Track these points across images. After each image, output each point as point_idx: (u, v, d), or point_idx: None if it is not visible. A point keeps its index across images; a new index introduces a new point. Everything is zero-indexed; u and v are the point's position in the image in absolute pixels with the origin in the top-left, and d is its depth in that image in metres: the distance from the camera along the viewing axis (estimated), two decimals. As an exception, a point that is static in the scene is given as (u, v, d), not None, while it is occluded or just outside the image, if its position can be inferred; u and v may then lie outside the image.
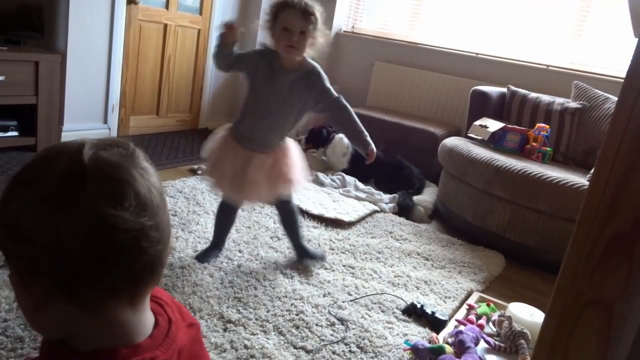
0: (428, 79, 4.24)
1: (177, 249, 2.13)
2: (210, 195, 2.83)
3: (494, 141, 3.08)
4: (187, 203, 2.67)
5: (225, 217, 2.18)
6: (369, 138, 2.02)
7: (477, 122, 3.21)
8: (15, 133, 3.04)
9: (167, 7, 3.95)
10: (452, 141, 3.11)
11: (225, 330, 1.65)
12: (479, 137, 3.11)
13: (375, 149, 2.01)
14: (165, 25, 3.97)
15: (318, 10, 1.89)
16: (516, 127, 3.12)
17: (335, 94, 2.03)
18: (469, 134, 3.20)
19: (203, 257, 2.10)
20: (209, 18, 4.31)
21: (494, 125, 3.12)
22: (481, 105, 3.38)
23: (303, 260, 2.22)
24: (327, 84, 2.02)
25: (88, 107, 3.55)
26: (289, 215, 2.19)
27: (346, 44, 4.70)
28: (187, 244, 2.20)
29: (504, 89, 3.48)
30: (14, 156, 2.97)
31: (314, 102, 2.03)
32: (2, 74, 2.86)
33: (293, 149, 2.12)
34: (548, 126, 3.07)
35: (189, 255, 2.10)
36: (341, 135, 3.65)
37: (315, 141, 3.85)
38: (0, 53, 2.86)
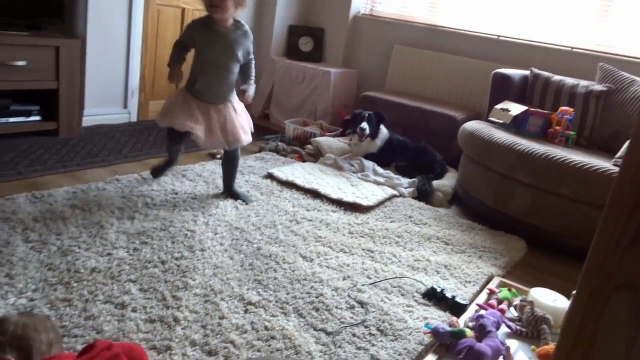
0: (448, 62, 4.17)
1: (197, 232, 2.15)
2: (230, 179, 2.84)
3: (516, 125, 3.03)
4: (207, 187, 2.68)
5: (175, 148, 2.63)
6: (253, 87, 2.51)
7: (499, 106, 3.15)
8: (37, 117, 3.08)
9: (184, -9, 3.94)
10: (472, 125, 3.06)
11: (245, 311, 1.66)
12: (501, 121, 3.06)
13: (251, 95, 2.50)
14: (183, 9, 3.96)
15: None
16: (539, 110, 3.06)
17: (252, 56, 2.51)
18: (490, 118, 3.14)
19: (157, 172, 2.64)
20: (226, 2, 4.28)
21: (516, 108, 3.06)
22: (503, 89, 3.32)
23: (230, 196, 2.60)
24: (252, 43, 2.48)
25: (108, 92, 3.57)
26: (232, 161, 2.58)
27: (364, 27, 4.64)
28: (206, 227, 2.22)
29: (527, 72, 3.41)
30: (37, 140, 3.02)
31: (243, 58, 2.44)
32: (24, 59, 2.89)
33: (241, 106, 2.53)
34: (572, 109, 3.00)
35: (210, 238, 2.12)
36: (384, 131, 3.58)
37: (373, 132, 3.51)
38: (22, 38, 2.89)
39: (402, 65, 4.39)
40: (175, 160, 2.69)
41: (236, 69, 2.45)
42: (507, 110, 3.08)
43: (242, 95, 2.48)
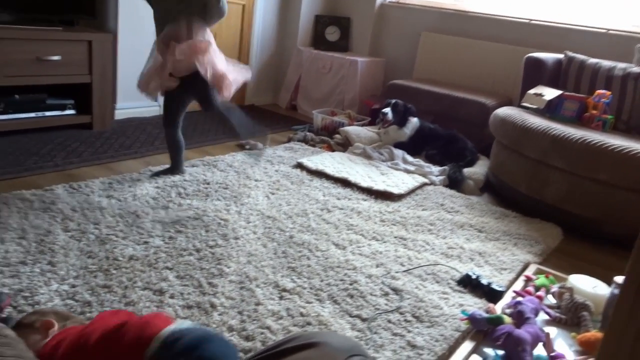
0: (477, 48, 4.09)
1: (230, 221, 2.17)
2: (260, 169, 2.86)
3: (550, 110, 2.96)
4: (238, 177, 2.70)
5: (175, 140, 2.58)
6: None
7: (532, 91, 3.08)
8: (72, 111, 3.15)
9: (212, -17, 3.95)
10: (504, 111, 3.00)
11: (281, 298, 1.67)
12: (534, 106, 2.99)
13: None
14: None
15: None
16: (574, 94, 2.98)
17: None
18: (522, 103, 3.08)
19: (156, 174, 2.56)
20: (253, -7, 4.29)
21: (550, 93, 2.99)
22: (536, 73, 3.24)
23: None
24: None
25: (139, 85, 3.62)
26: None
27: (391, 14, 4.59)
28: (239, 216, 2.24)
29: (560, 56, 3.32)
30: (72, 134, 3.08)
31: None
32: (59, 54, 2.96)
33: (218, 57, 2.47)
34: (609, 92, 2.91)
35: (242, 227, 2.13)
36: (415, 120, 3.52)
37: (400, 120, 3.47)
38: (56, 33, 2.95)
39: (430, 53, 4.33)
40: (179, 161, 2.61)
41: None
42: (540, 95, 3.01)
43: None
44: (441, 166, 3.22)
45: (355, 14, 4.70)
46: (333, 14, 4.78)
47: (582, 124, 2.87)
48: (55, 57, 2.94)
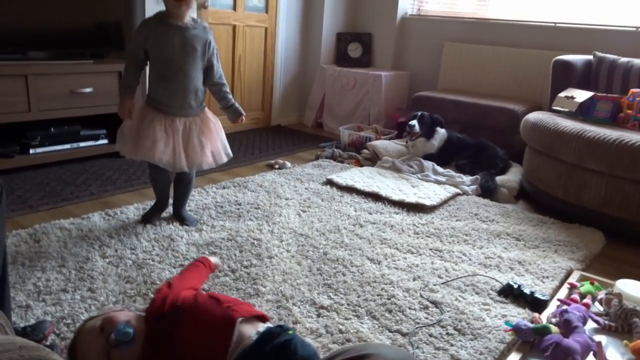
0: (502, 55, 4.05)
1: (263, 240, 2.17)
2: (290, 187, 2.87)
3: (583, 112, 2.89)
4: (268, 196, 2.71)
5: (160, 178, 2.26)
6: (237, 105, 2.27)
7: (562, 94, 3.02)
8: (105, 141, 3.23)
9: (234, 8, 4.05)
10: (535, 116, 2.94)
11: (318, 315, 1.65)
12: (566, 109, 2.93)
13: (242, 113, 2.27)
14: (234, 27, 4.06)
15: None
16: (607, 95, 2.90)
17: (219, 66, 2.24)
18: (553, 107, 3.01)
19: (149, 218, 2.29)
20: (275, 15, 4.37)
21: (581, 95, 2.92)
22: (565, 76, 3.18)
23: (178, 220, 2.33)
24: (214, 43, 2.20)
25: (168, 112, 3.70)
26: (187, 183, 2.30)
27: (413, 27, 4.59)
28: (272, 235, 2.24)
29: (589, 57, 3.26)
30: (105, 163, 3.16)
31: (205, 56, 2.15)
32: (90, 86, 3.05)
33: (213, 120, 2.24)
34: (644, 91, 2.83)
35: (276, 246, 2.13)
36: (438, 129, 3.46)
37: (427, 132, 3.42)
38: (87, 66, 3.05)
39: (454, 63, 4.30)
40: (165, 201, 2.33)
41: (200, 73, 2.13)
42: (572, 97, 2.94)
43: (237, 119, 2.26)
44: (472, 175, 3.16)
45: (377, 29, 4.72)
46: (354, 30, 4.81)
47: (617, 125, 2.80)
48: (88, 89, 3.04)
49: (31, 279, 1.73)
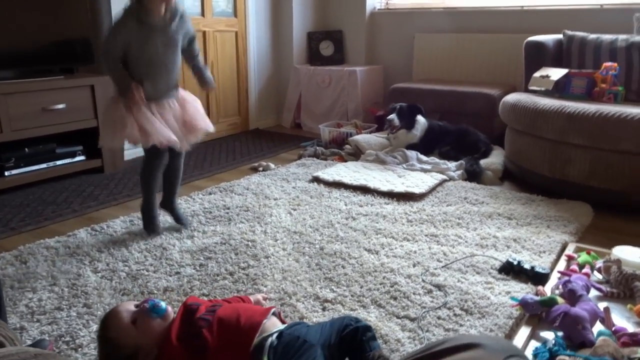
0: (473, 41, 4.09)
1: (257, 241, 2.13)
2: (277, 188, 2.83)
3: (559, 90, 2.93)
4: (257, 198, 2.67)
5: (157, 166, 2.19)
6: (207, 68, 2.26)
7: (537, 73, 3.06)
8: (82, 157, 3.15)
9: (202, 14, 4.00)
10: (513, 97, 2.98)
11: (324, 309, 1.62)
12: (542, 88, 2.97)
13: (211, 78, 2.26)
14: (204, 33, 4.01)
15: None
16: (581, 71, 2.95)
17: (198, 48, 2.25)
18: (530, 87, 3.05)
19: (154, 226, 2.21)
20: (244, 19, 4.33)
21: (556, 73, 2.96)
22: (538, 57, 3.22)
23: (170, 212, 2.32)
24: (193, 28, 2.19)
25: (144, 123, 3.63)
26: (177, 170, 2.27)
27: (383, 21, 4.61)
28: (265, 235, 2.20)
29: (560, 36, 3.31)
30: (85, 179, 3.07)
31: (186, 40, 2.15)
32: (63, 102, 2.97)
33: (192, 98, 2.24)
34: (616, 64, 2.88)
35: (271, 245, 2.10)
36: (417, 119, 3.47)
37: (411, 118, 3.42)
38: (58, 82, 2.97)
39: (427, 53, 4.33)
40: (154, 198, 2.23)
41: (179, 57, 2.14)
42: (547, 76, 2.99)
43: (205, 85, 2.24)
44: (457, 161, 3.18)
45: (347, 26, 4.72)
46: (324, 29, 4.81)
47: (593, 100, 2.84)
48: (60, 106, 2.95)
49: (22, 300, 1.66)
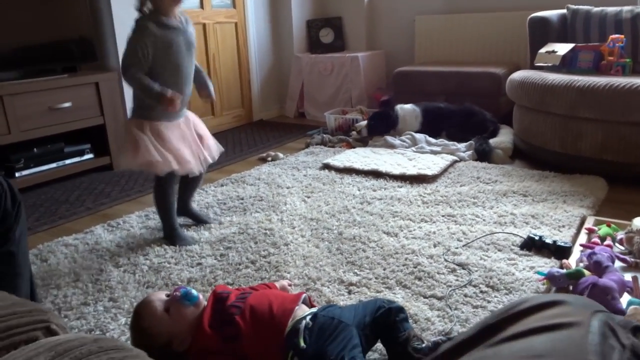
0: (474, 21, 4.07)
1: (275, 229, 2.13)
2: (288, 176, 2.83)
3: (566, 65, 2.91)
4: (269, 187, 2.67)
5: (171, 189, 2.07)
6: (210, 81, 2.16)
7: (543, 49, 3.04)
8: (90, 156, 3.14)
9: (202, 6, 3.97)
10: (520, 74, 2.96)
11: (349, 292, 1.63)
12: (549, 64, 2.95)
13: (213, 95, 2.16)
14: (204, 25, 3.98)
15: None
16: (587, 44, 2.94)
17: None
18: (536, 63, 3.03)
19: (180, 237, 2.06)
20: (242, 10, 4.30)
21: (562, 48, 2.95)
22: (542, 33, 3.20)
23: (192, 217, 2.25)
24: None
25: (149, 119, 3.61)
26: (199, 178, 2.18)
27: (382, 5, 4.58)
28: (282, 223, 2.20)
29: (563, 11, 3.29)
30: (95, 177, 3.07)
31: None
32: (69, 100, 2.95)
33: (197, 118, 2.18)
34: (622, 36, 2.86)
35: (289, 233, 2.10)
36: (400, 106, 3.47)
37: (385, 127, 3.44)
38: (62, 80, 2.95)
39: (428, 35, 4.30)
40: (172, 220, 2.08)
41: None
42: (553, 52, 2.97)
43: (207, 97, 2.15)
44: (465, 142, 3.17)
45: (346, 12, 4.69)
46: (324, 16, 4.77)
47: (601, 73, 2.83)
48: (66, 104, 2.94)
49: (48, 297, 1.66)
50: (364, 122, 3.50)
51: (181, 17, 1.99)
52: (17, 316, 0.70)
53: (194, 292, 1.29)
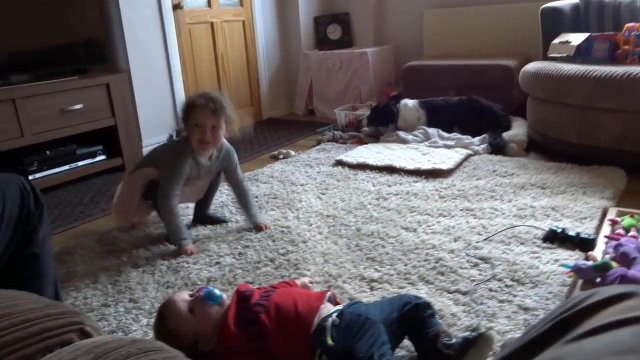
0: (483, 13, 4.03)
1: (292, 227, 2.11)
2: (301, 173, 2.81)
3: (581, 55, 2.87)
4: (283, 185, 2.65)
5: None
6: (258, 214, 2.19)
7: (557, 40, 3.00)
8: (102, 157, 3.13)
9: (209, 5, 3.96)
10: (534, 65, 2.92)
11: (372, 289, 1.61)
12: (563, 55, 2.91)
13: (266, 225, 2.14)
14: (212, 24, 3.97)
15: (226, 102, 1.94)
16: (602, 33, 2.89)
17: (242, 175, 2.20)
18: (550, 54, 2.99)
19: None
20: (250, 8, 4.28)
21: (576, 38, 2.90)
22: (555, 23, 3.15)
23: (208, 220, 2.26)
24: (237, 160, 2.18)
25: (159, 119, 3.60)
26: (215, 189, 2.30)
27: (389, 0, 4.54)
28: (299, 221, 2.18)
29: (576, 0, 3.24)
30: (107, 179, 3.06)
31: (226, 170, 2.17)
32: (80, 102, 2.94)
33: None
34: (638, 24, 2.82)
35: (306, 230, 2.08)
36: (405, 101, 3.46)
37: (384, 120, 3.48)
38: (73, 82, 2.94)
39: (437, 29, 4.27)
40: (173, 226, 2.02)
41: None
42: (567, 42, 2.93)
43: (259, 229, 2.12)
44: (476, 135, 3.13)
45: (353, 7, 4.66)
46: (331, 12, 4.74)
47: (617, 62, 2.78)
48: (78, 106, 2.93)
49: (68, 299, 1.65)
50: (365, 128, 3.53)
51: (214, 154, 2.07)
52: (51, 318, 0.69)
53: (217, 291, 1.28)
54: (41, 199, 1.17)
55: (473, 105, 3.35)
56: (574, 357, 0.41)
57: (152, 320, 1.48)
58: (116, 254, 1.97)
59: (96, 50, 3.15)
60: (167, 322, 1.22)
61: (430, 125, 3.36)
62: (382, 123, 3.47)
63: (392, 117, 3.44)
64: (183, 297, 1.27)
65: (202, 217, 2.26)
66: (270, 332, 1.21)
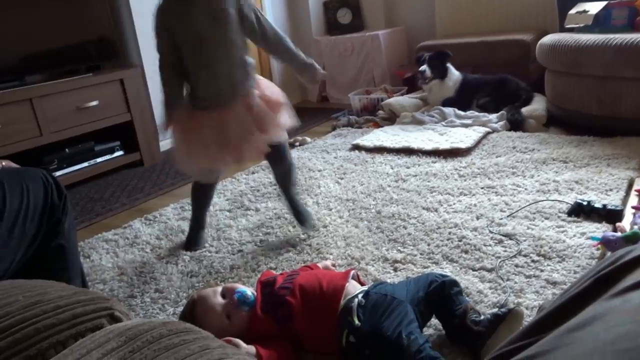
0: (497, -12, 3.94)
1: (311, 212, 2.10)
2: (318, 159, 2.80)
3: (599, 24, 2.80)
4: (301, 171, 2.64)
5: (204, 194, 1.96)
6: (312, 62, 1.77)
7: (573, 10, 2.92)
8: (120, 152, 3.16)
9: (218, -5, 3.93)
10: (551, 38, 2.86)
11: (395, 270, 1.59)
12: (581, 25, 2.84)
13: (321, 71, 1.81)
14: (222, 14, 3.95)
15: None
16: (620, 1, 2.81)
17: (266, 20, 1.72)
18: (567, 25, 2.92)
19: (192, 244, 1.91)
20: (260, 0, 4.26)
21: (594, 6, 2.83)
22: (571, -7, 3.08)
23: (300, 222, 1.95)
24: None
25: (174, 113, 3.61)
26: (285, 175, 1.92)
27: (399, -20, 4.48)
28: (319, 206, 2.17)
29: (592, -31, 3.15)
30: (126, 174, 3.09)
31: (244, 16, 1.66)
32: (95, 99, 2.96)
33: (267, 87, 1.80)
34: (658, -11, 2.73)
35: (327, 215, 2.07)
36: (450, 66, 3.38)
37: (442, 60, 3.33)
38: (88, 79, 2.95)
39: (449, 7, 4.19)
40: (204, 217, 1.98)
41: (240, 42, 1.69)
42: (584, 11, 2.85)
43: (315, 82, 1.86)
44: (496, 112, 3.08)
45: (362, -10, 4.60)
46: (340, -4, 4.69)
47: (637, 30, 2.70)
48: (94, 103, 2.95)
49: (95, 292, 1.67)
50: (425, 67, 3.34)
51: None
52: (81, 305, 0.69)
53: (248, 292, 1.28)
54: (64, 191, 1.18)
55: (496, 78, 3.29)
56: (620, 310, 0.40)
57: (179, 309, 1.50)
58: (139, 247, 1.98)
59: (108, 47, 3.16)
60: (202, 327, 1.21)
61: (461, 98, 3.32)
62: (440, 70, 3.33)
63: (444, 71, 3.33)
64: (216, 301, 1.25)
65: (299, 217, 1.95)
66: (296, 313, 1.21)
